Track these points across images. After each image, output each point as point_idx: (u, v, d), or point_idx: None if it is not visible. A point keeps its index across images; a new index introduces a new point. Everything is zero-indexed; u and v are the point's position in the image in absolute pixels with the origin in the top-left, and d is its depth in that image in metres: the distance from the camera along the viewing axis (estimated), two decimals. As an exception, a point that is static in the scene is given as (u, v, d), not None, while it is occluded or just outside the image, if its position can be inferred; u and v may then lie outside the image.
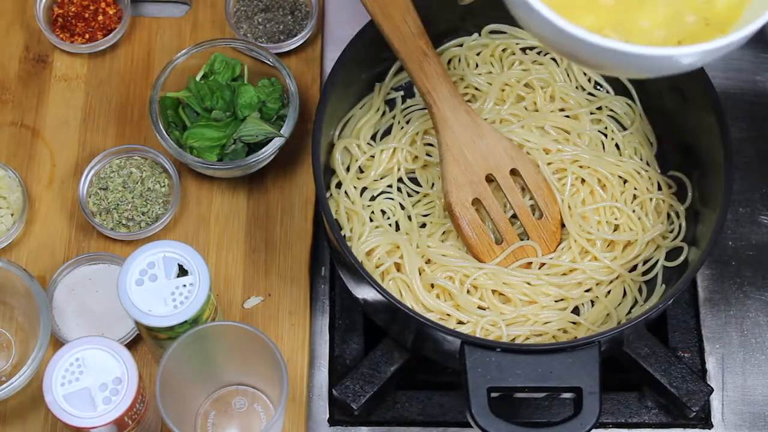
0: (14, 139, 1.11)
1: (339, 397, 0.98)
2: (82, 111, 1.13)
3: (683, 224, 1.03)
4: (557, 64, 1.10)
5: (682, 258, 1.01)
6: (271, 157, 1.07)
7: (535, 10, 0.72)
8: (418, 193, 1.06)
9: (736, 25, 0.77)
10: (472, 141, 1.02)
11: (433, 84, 1.01)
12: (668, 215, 1.04)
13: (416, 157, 1.06)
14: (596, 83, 1.11)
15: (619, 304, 1.02)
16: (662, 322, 1.06)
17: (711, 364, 1.06)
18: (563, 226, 1.03)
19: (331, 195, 1.05)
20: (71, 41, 1.14)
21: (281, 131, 1.06)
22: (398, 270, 1.01)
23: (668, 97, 1.05)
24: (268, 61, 1.09)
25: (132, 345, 1.02)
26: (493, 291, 1.00)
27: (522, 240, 1.02)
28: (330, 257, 1.09)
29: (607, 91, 1.10)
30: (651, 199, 1.04)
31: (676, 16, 0.79)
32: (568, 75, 1.10)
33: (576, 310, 1.02)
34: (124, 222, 1.06)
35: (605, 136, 1.07)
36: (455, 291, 0.99)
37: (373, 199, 1.05)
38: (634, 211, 1.04)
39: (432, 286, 1.00)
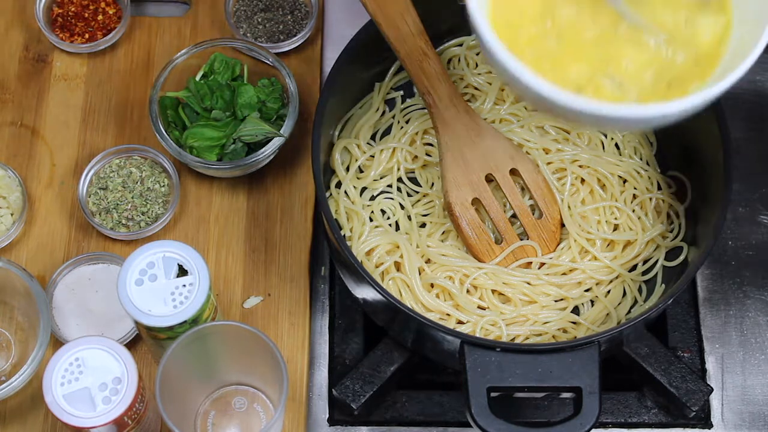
0: (14, 139, 1.11)
1: (339, 397, 0.99)
2: (82, 111, 1.13)
3: (683, 224, 1.03)
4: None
5: (681, 258, 1.02)
6: (271, 157, 1.07)
7: (517, 76, 0.73)
8: (417, 192, 1.06)
9: (722, 62, 0.78)
10: (471, 141, 1.02)
11: (432, 84, 1.01)
12: (668, 215, 1.04)
13: (416, 156, 1.06)
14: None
15: (619, 303, 1.02)
16: (662, 321, 1.06)
17: (711, 363, 1.06)
18: (563, 225, 1.03)
19: (330, 195, 1.05)
20: (71, 41, 1.14)
21: (281, 131, 1.06)
22: (398, 270, 1.01)
23: (668, 96, 1.05)
24: (268, 60, 1.09)
25: (132, 345, 1.02)
26: (493, 291, 1.00)
27: (522, 240, 1.02)
28: (330, 257, 1.09)
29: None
30: (651, 199, 1.04)
31: (662, 56, 0.79)
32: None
33: (576, 310, 1.02)
34: (123, 222, 1.06)
35: (605, 135, 1.07)
36: (455, 291, 0.99)
37: (372, 198, 1.05)
38: (633, 211, 1.04)
39: (432, 285, 1.00)
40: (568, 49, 0.79)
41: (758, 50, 0.75)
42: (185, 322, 0.89)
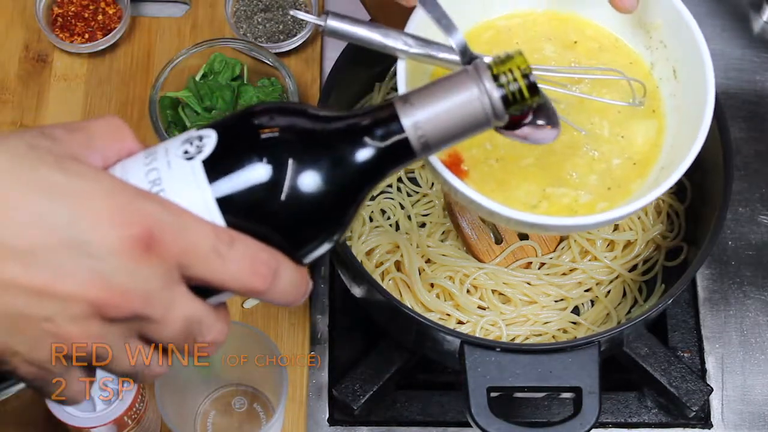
0: (14, 139, 1.11)
1: (339, 397, 0.99)
2: (82, 111, 1.13)
3: (683, 224, 1.03)
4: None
5: (681, 258, 1.02)
6: (271, 157, 1.07)
7: (475, 200, 0.74)
8: (417, 192, 1.06)
9: (656, 165, 0.81)
10: (471, 141, 1.02)
11: (432, 84, 1.01)
12: (668, 215, 1.04)
13: (416, 157, 1.06)
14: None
15: (619, 304, 1.02)
16: (662, 321, 1.06)
17: (710, 363, 1.06)
18: (563, 226, 1.03)
19: (330, 195, 1.04)
20: (71, 41, 1.14)
21: (281, 131, 1.06)
22: (398, 270, 1.01)
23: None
24: (268, 61, 1.09)
25: (132, 345, 1.02)
26: (493, 291, 1.00)
27: (522, 240, 1.02)
28: (330, 257, 1.09)
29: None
30: (651, 199, 1.04)
31: (599, 162, 0.81)
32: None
33: (576, 310, 1.02)
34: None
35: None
36: (455, 291, 0.99)
37: (372, 198, 1.05)
38: (633, 211, 1.04)
39: (432, 285, 1.00)
40: (511, 171, 0.81)
41: (695, 151, 0.77)
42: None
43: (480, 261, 1.01)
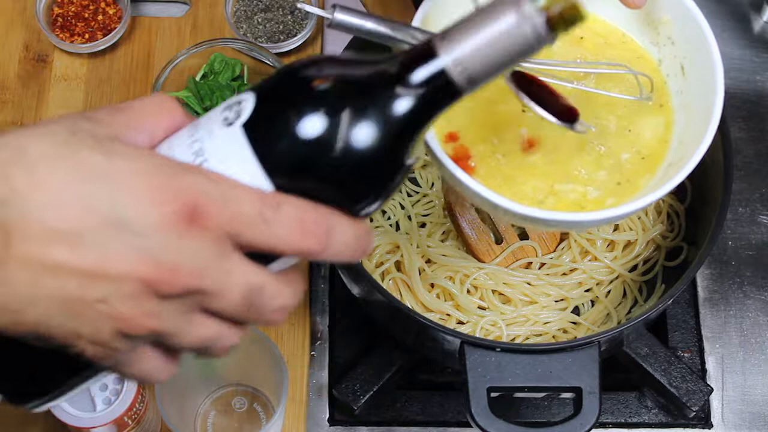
0: (14, 139, 1.11)
1: (339, 397, 0.99)
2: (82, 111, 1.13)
3: (683, 224, 1.03)
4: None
5: (681, 258, 1.01)
6: (271, 157, 1.07)
7: (479, 193, 0.74)
8: (417, 193, 1.06)
9: (665, 161, 0.80)
10: (471, 141, 1.02)
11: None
12: (668, 215, 1.04)
13: (416, 157, 1.06)
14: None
15: (619, 304, 1.02)
16: (662, 322, 1.06)
17: (711, 363, 1.06)
18: (563, 226, 1.04)
19: (331, 195, 1.04)
20: (71, 41, 1.14)
21: (281, 131, 1.06)
22: (398, 270, 1.01)
23: (668, 97, 1.05)
24: (268, 61, 1.09)
25: (132, 345, 1.02)
26: (494, 291, 1.00)
27: (522, 240, 1.02)
28: (330, 257, 1.08)
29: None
30: (651, 199, 1.04)
31: (608, 156, 0.81)
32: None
33: (576, 310, 1.02)
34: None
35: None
36: (455, 291, 0.99)
37: (373, 199, 1.05)
38: (633, 211, 1.04)
39: (432, 285, 1.00)
40: (518, 166, 0.81)
41: (704, 146, 0.77)
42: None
43: (480, 261, 1.01)
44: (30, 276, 0.51)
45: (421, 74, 0.56)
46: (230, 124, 0.55)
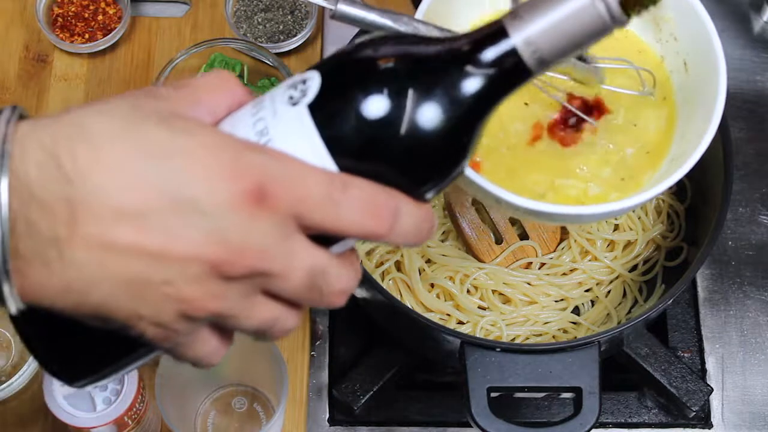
0: (14, 139, 1.11)
1: (339, 397, 0.99)
2: (82, 111, 1.13)
3: (683, 224, 1.03)
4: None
5: (681, 258, 1.01)
6: (271, 157, 1.07)
7: (482, 186, 0.74)
8: (418, 193, 1.06)
9: (667, 156, 0.80)
10: (471, 141, 1.02)
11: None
12: (668, 215, 1.04)
13: (416, 157, 1.06)
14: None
15: (619, 304, 1.02)
16: (662, 322, 1.06)
17: (711, 363, 1.06)
18: (563, 225, 1.03)
19: (331, 195, 1.04)
20: (71, 41, 1.14)
21: (281, 131, 1.06)
22: (398, 270, 1.01)
23: (668, 97, 1.05)
24: (268, 61, 1.09)
25: (132, 345, 1.02)
26: (494, 291, 1.00)
27: (522, 240, 1.02)
28: (330, 257, 1.08)
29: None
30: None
31: (614, 153, 0.81)
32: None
33: (576, 310, 1.02)
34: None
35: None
36: (455, 291, 0.99)
37: (373, 199, 1.05)
38: (633, 211, 1.04)
39: (432, 285, 1.00)
40: (522, 160, 0.81)
41: (706, 142, 0.77)
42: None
43: (480, 261, 1.01)
44: (95, 257, 0.50)
45: (491, 53, 0.55)
46: (295, 103, 0.54)
